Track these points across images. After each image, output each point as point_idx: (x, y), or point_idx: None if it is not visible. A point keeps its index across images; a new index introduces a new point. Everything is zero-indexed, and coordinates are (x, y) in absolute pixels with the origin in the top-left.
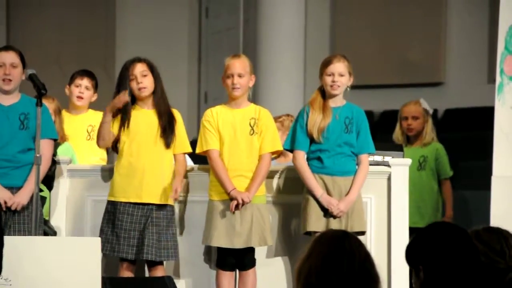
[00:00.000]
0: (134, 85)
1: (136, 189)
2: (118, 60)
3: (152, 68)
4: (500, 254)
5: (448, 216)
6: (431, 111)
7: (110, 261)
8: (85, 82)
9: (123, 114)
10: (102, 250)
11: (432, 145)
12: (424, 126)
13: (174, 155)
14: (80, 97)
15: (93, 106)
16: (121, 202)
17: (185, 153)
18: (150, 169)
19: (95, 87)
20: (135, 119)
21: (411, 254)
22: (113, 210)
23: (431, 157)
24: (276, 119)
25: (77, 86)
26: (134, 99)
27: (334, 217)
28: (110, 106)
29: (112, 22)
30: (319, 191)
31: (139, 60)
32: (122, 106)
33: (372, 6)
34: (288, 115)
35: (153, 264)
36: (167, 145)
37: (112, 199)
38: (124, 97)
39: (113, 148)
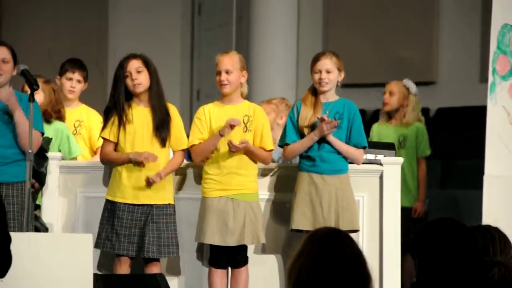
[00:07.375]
0: (129, 81)
1: (134, 190)
2: (111, 56)
3: (147, 64)
4: (484, 250)
5: (421, 200)
6: (413, 90)
7: (107, 258)
8: (76, 75)
9: (120, 115)
10: (102, 247)
11: (413, 125)
12: (402, 104)
13: (173, 152)
14: (71, 91)
15: (83, 97)
16: (120, 202)
17: (183, 150)
18: (147, 169)
19: (86, 77)
20: (131, 118)
21: (411, 248)
22: (112, 208)
23: (412, 136)
24: (270, 101)
25: (69, 79)
26: (130, 96)
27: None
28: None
29: (105, 18)
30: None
31: (134, 56)
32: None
33: (365, 5)
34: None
35: (149, 261)
36: (163, 143)
37: (111, 198)
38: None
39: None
